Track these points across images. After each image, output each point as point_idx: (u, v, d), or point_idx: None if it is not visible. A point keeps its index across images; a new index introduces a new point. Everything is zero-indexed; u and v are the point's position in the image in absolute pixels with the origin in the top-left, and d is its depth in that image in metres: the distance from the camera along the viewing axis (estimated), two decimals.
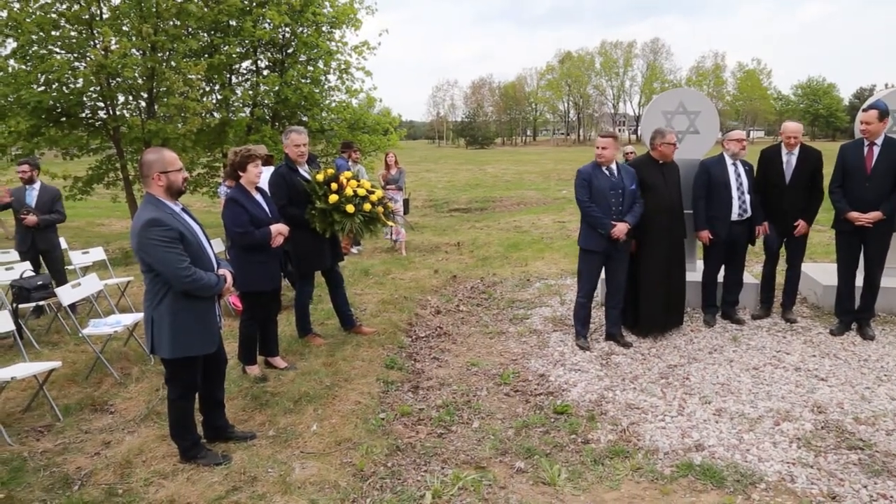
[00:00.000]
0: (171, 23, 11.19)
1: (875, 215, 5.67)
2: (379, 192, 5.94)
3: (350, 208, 5.57)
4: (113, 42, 10.44)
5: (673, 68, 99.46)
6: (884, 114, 5.65)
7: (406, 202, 11.26)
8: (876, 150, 5.70)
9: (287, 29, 13.23)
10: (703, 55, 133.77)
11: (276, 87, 12.73)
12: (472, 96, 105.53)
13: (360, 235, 5.81)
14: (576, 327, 6.03)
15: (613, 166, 5.75)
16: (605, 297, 6.09)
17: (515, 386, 5.11)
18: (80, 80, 10.66)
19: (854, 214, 5.75)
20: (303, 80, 13.20)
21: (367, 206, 5.72)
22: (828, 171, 6.11)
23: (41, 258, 7.29)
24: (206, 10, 11.22)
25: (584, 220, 5.78)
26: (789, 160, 6.14)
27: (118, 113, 11.84)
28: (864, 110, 5.78)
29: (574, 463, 3.91)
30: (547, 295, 7.75)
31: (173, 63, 11.31)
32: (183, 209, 3.74)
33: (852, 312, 6.08)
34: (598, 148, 5.71)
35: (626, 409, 4.63)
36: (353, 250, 10.80)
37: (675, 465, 3.86)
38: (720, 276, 6.52)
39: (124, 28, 11.10)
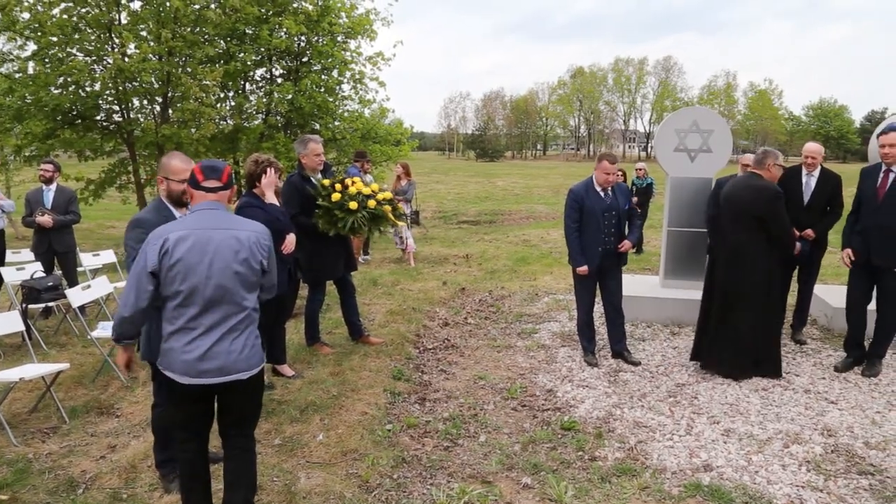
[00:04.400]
0: (189, 29, 11.29)
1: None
2: (387, 194, 5.96)
3: (353, 205, 5.58)
4: (132, 46, 10.54)
5: (685, 86, 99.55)
6: None
7: (417, 213, 11.27)
8: (892, 176, 5.35)
9: (303, 38, 13.33)
10: (715, 74, 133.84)
11: (290, 96, 12.81)
12: (483, 109, 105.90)
13: (362, 230, 5.78)
14: (582, 343, 6.01)
15: (608, 187, 5.75)
16: (605, 316, 6.07)
17: (523, 401, 5.08)
18: (98, 84, 10.77)
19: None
20: (317, 89, 13.27)
21: (372, 203, 5.73)
22: (850, 192, 5.87)
23: (56, 260, 7.33)
24: (223, 17, 11.32)
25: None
26: (808, 182, 6.09)
27: (132, 117, 11.94)
28: (885, 132, 5.40)
29: (581, 480, 3.88)
30: (555, 310, 7.73)
31: (189, 69, 11.41)
32: None
33: (860, 348, 5.78)
34: (605, 174, 5.66)
35: (633, 427, 4.59)
36: (362, 259, 10.81)
37: (682, 484, 3.82)
38: None
39: (142, 33, 11.21)
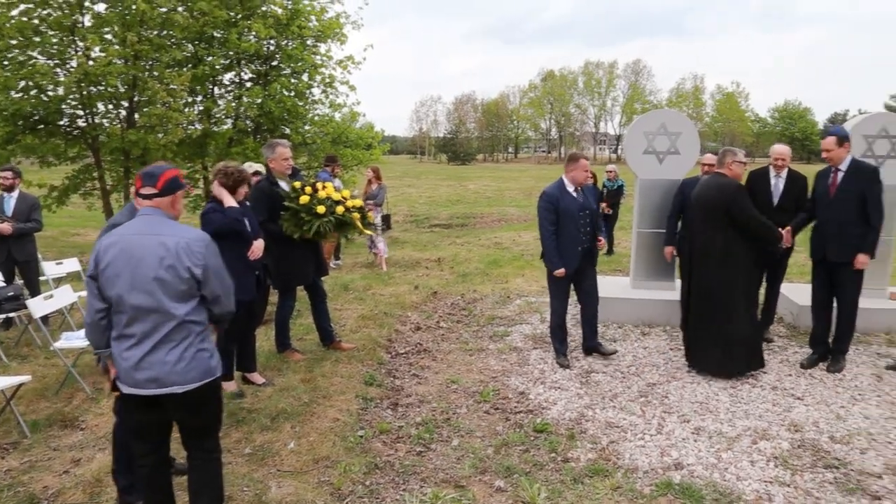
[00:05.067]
0: (156, 32, 11.12)
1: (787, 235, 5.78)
2: (357, 201, 5.92)
3: (321, 209, 5.53)
4: (97, 50, 10.34)
5: (654, 89, 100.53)
6: (842, 139, 5.62)
7: (388, 217, 11.22)
8: (840, 175, 5.63)
9: (272, 42, 13.22)
10: (683, 77, 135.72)
11: (259, 100, 12.68)
12: (455, 112, 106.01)
13: (328, 236, 5.74)
14: (554, 345, 6.03)
15: (580, 187, 5.83)
16: (581, 316, 6.11)
17: (495, 404, 5.08)
18: (61, 88, 10.54)
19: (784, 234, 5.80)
20: (286, 93, 13.16)
21: (340, 209, 5.69)
22: None
23: (17, 269, 7.15)
24: (191, 20, 11.17)
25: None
26: (777, 183, 6.20)
27: (97, 121, 11.70)
28: (823, 137, 5.79)
29: (554, 482, 3.89)
30: (527, 312, 7.75)
31: (156, 73, 11.23)
32: None
33: (825, 344, 5.92)
34: (585, 171, 5.76)
35: (605, 428, 4.62)
36: (333, 264, 10.74)
37: (654, 483, 3.85)
38: None
39: (107, 36, 11.00)
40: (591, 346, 6.09)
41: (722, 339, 5.45)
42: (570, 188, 5.77)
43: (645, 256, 7.40)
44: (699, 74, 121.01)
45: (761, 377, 5.55)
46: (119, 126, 11.57)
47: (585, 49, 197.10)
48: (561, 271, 5.72)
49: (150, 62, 11.31)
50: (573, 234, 5.73)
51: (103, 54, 10.25)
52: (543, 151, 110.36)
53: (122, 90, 11.07)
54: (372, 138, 15.22)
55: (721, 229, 5.41)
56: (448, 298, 8.56)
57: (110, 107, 11.89)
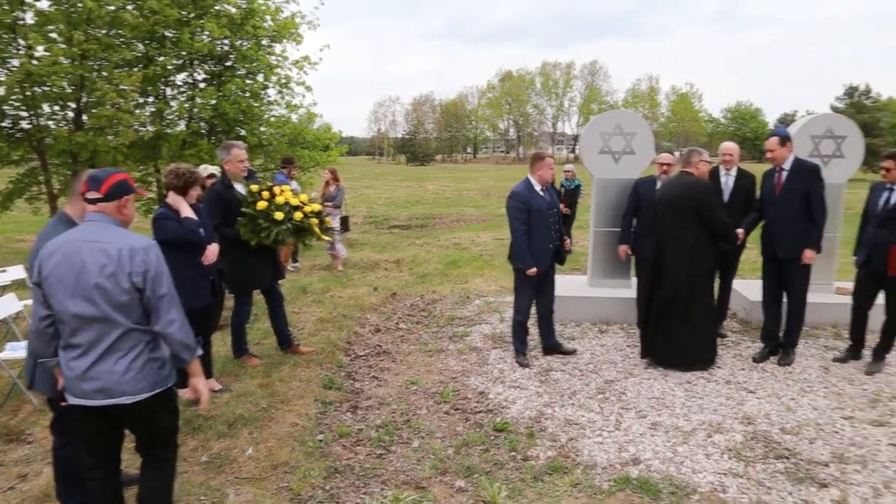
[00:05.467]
0: (104, 31, 10.81)
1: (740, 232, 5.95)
2: (315, 206, 5.86)
3: (279, 215, 5.46)
4: (41, 49, 10.00)
5: (610, 90, 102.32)
6: (784, 139, 5.82)
7: (346, 219, 11.13)
8: (784, 174, 5.82)
9: (226, 42, 12.98)
10: (638, 78, 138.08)
11: (214, 101, 12.44)
12: (413, 113, 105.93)
13: (286, 242, 5.68)
14: (515, 345, 6.06)
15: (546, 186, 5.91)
16: (539, 314, 6.16)
17: (455, 404, 5.08)
18: (1, 88, 10.16)
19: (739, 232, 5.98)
20: (241, 94, 12.94)
21: (299, 216, 5.62)
22: None
23: None
24: (141, 19, 10.88)
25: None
26: (727, 181, 6.35)
27: (43, 123, 11.32)
28: (767, 138, 5.98)
29: (514, 480, 3.91)
30: (486, 312, 7.78)
31: (105, 73, 10.91)
32: None
33: (776, 338, 6.09)
34: (550, 169, 5.84)
35: (564, 425, 4.66)
36: (291, 267, 10.62)
37: (612, 479, 3.91)
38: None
39: (52, 35, 10.65)
40: (551, 344, 6.15)
41: (687, 334, 5.58)
42: (538, 187, 5.83)
43: (602, 255, 7.49)
44: (654, 75, 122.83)
45: (715, 372, 5.67)
46: (66, 128, 11.20)
47: (542, 49, 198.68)
48: (533, 270, 5.74)
49: (99, 62, 10.97)
50: (544, 232, 5.78)
51: (48, 53, 9.91)
52: (502, 152, 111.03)
53: (68, 91, 10.72)
54: (329, 139, 15.06)
55: (691, 228, 5.54)
56: (407, 300, 8.54)
57: (56, 108, 11.49)
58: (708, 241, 5.59)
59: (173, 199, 4.69)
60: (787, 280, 5.90)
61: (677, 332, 5.61)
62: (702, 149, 5.88)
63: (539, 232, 5.76)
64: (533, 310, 6.11)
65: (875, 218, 5.64)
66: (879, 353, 5.79)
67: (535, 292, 5.99)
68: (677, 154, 7.09)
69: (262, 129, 13.72)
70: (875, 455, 4.20)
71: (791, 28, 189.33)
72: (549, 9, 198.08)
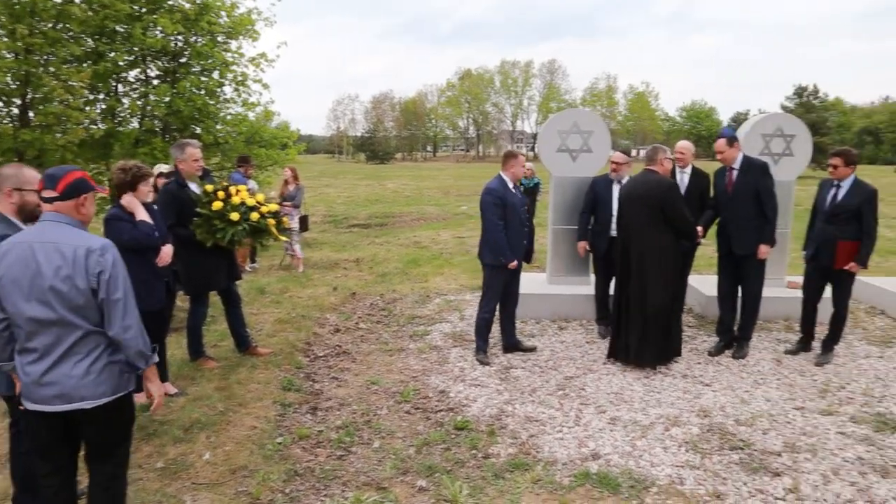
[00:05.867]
0: (51, 25, 10.47)
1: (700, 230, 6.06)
2: (273, 206, 5.77)
3: (235, 216, 5.37)
4: None
5: (569, 89, 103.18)
6: (731, 140, 5.96)
7: (305, 219, 10.99)
8: (735, 173, 5.96)
9: (180, 37, 12.70)
10: (597, 77, 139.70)
11: (168, 98, 12.16)
12: (372, 111, 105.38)
13: (242, 244, 5.59)
14: (478, 342, 6.08)
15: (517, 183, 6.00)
16: (504, 311, 6.18)
17: (416, 403, 5.07)
18: None
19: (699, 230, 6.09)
20: (196, 92, 12.68)
21: (255, 216, 5.54)
22: None
23: None
24: (90, 13, 10.57)
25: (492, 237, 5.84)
26: (682, 179, 6.46)
27: None
28: (715, 140, 6.10)
29: (475, 478, 3.92)
30: (446, 311, 7.78)
31: (52, 68, 10.57)
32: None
33: (730, 332, 6.22)
34: (523, 166, 5.99)
35: (525, 422, 4.69)
36: (249, 268, 10.46)
37: (573, 474, 3.94)
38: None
39: None
40: (513, 343, 6.18)
41: (658, 330, 5.66)
42: (510, 184, 5.89)
43: (560, 252, 7.56)
44: (612, 74, 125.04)
45: (672, 366, 5.78)
46: (11, 125, 10.83)
47: (501, 48, 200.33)
48: (514, 263, 5.79)
49: (45, 57, 10.64)
50: (517, 228, 5.84)
51: None
52: (462, 150, 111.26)
53: (12, 86, 10.36)
54: (287, 138, 14.85)
55: (658, 226, 5.62)
56: (367, 299, 8.49)
57: (0, 104, 11.12)
58: (674, 239, 5.69)
59: (128, 200, 4.57)
60: (743, 275, 6.03)
61: (649, 330, 5.66)
62: (664, 147, 5.97)
63: (513, 227, 5.81)
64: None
65: (823, 214, 5.82)
66: (828, 345, 5.98)
67: (501, 290, 6.01)
68: (634, 153, 7.19)
69: (219, 127, 13.46)
70: (825, 443, 4.33)
71: (743, 30, 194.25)
72: (508, 8, 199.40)
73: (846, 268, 5.64)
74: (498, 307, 6.14)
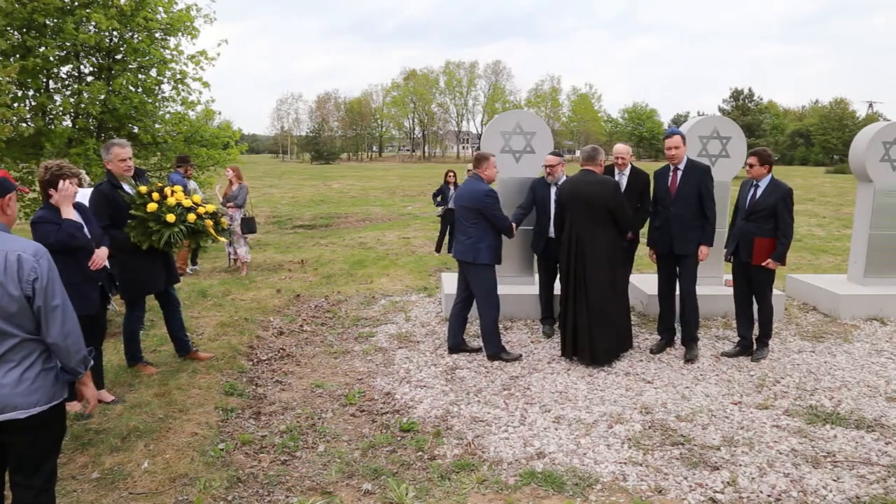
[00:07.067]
0: None
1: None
2: (210, 207, 5.65)
3: (171, 217, 5.23)
4: None
5: (514, 89, 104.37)
6: (684, 138, 6.10)
7: (251, 220, 10.75)
8: (679, 173, 6.03)
9: (115, 33, 12.29)
10: (541, 78, 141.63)
11: (102, 96, 11.74)
12: (317, 111, 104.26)
13: (179, 246, 5.45)
14: (497, 344, 6.06)
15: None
16: (461, 308, 6.22)
17: (361, 406, 5.03)
18: None
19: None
20: (133, 90, 12.28)
21: (192, 217, 5.41)
22: None
23: None
24: (17, 6, 10.13)
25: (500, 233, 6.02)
26: (620, 180, 6.59)
27: None
28: (668, 136, 6.11)
29: (421, 480, 3.91)
30: (392, 312, 7.75)
31: None
32: None
33: (671, 331, 6.36)
34: (496, 168, 6.18)
35: (471, 423, 4.71)
36: (189, 270, 10.20)
37: (518, 474, 3.97)
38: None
39: None
40: (457, 343, 6.19)
41: (607, 326, 5.76)
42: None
43: (505, 253, 7.59)
44: (556, 76, 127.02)
45: (616, 364, 5.89)
46: None
47: (446, 49, 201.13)
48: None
49: None
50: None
51: None
52: (408, 150, 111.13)
53: None
54: (229, 137, 14.56)
55: (603, 224, 5.73)
56: (312, 301, 8.39)
57: None
58: (617, 235, 5.83)
59: (57, 197, 4.39)
60: (682, 274, 6.14)
61: (600, 329, 5.74)
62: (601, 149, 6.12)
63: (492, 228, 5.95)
64: (447, 307, 6.14)
65: (742, 212, 6.05)
66: (762, 341, 6.19)
67: (468, 291, 6.14)
68: (567, 155, 7.35)
69: (157, 126, 13.08)
70: (761, 437, 4.48)
71: (683, 34, 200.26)
72: (453, 9, 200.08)
73: (763, 264, 5.86)
74: (458, 307, 6.19)
